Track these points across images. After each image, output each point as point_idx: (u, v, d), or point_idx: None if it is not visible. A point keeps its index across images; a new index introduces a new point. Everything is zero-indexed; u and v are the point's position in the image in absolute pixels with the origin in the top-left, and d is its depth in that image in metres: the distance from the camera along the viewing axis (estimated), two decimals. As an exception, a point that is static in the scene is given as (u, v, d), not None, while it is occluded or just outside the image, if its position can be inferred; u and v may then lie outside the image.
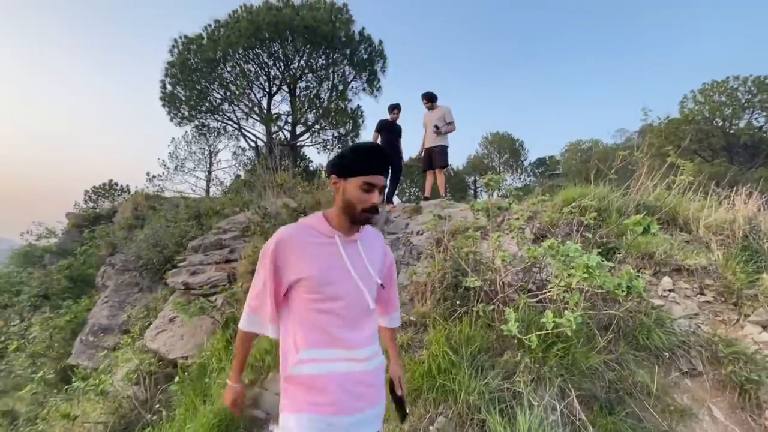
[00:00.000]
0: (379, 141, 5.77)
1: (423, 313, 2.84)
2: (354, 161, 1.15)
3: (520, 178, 29.75)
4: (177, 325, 4.30)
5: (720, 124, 19.64)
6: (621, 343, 2.44)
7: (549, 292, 2.22)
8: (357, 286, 1.19)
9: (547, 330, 1.91)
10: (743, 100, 18.95)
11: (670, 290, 2.70)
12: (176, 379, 3.53)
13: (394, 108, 5.92)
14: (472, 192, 30.00)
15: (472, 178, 30.66)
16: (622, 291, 2.12)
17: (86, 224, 13.08)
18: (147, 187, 16.24)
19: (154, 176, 16.79)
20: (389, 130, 5.88)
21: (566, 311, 1.87)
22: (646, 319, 2.52)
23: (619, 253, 2.80)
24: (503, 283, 2.61)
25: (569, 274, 1.95)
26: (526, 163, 30.45)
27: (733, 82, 19.15)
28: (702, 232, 2.98)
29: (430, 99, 5.87)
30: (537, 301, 2.57)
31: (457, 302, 2.67)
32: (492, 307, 2.57)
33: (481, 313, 2.54)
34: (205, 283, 4.49)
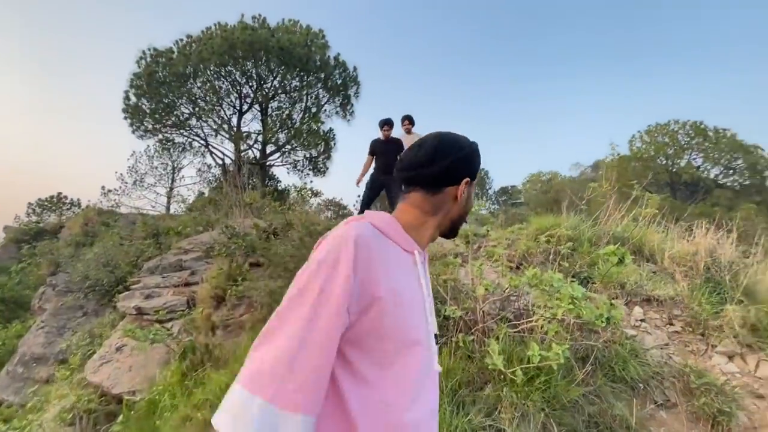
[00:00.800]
0: (373, 165, 5.25)
1: (400, 343, 2.72)
2: (477, 160, 0.89)
3: (485, 206, 30.70)
4: (125, 354, 3.89)
5: (664, 163, 21.45)
6: (598, 375, 2.43)
7: (535, 322, 2.17)
8: (428, 331, 0.79)
9: (533, 363, 1.85)
10: (683, 142, 20.88)
11: (641, 320, 2.75)
12: (120, 418, 3.14)
13: (385, 124, 5.14)
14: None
15: (440, 204, 31.29)
16: (602, 322, 2.12)
17: (27, 239, 11.97)
18: (101, 201, 15.19)
19: (109, 190, 15.76)
20: (383, 150, 5.14)
21: (553, 344, 1.83)
22: (621, 350, 2.53)
23: (594, 283, 2.84)
24: (483, 312, 2.55)
25: (554, 305, 1.91)
26: (490, 192, 31.60)
27: (673, 125, 21.13)
28: (667, 263, 3.10)
29: (412, 122, 5.74)
30: (515, 331, 2.53)
31: (437, 332, 2.56)
32: (472, 337, 2.49)
33: (461, 344, 2.45)
34: (161, 307, 4.12)
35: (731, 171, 20.73)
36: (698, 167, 20.79)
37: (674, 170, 21.08)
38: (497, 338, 2.37)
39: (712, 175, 20.95)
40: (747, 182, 20.02)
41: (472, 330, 2.60)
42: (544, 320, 1.99)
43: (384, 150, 5.12)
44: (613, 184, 3.51)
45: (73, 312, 6.35)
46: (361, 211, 5.49)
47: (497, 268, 2.92)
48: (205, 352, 3.37)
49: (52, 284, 7.59)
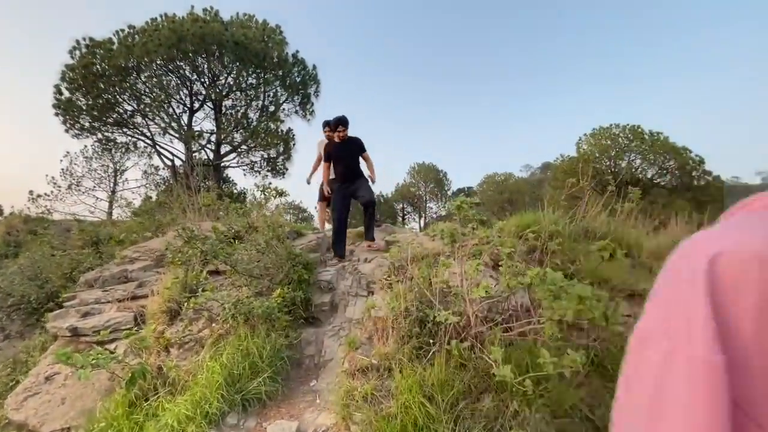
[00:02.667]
0: (332, 171, 4.70)
1: (385, 354, 2.48)
2: None
3: (444, 207, 31.30)
4: (56, 385, 3.31)
5: (608, 164, 23.02)
6: (594, 376, 2.35)
7: (540, 323, 2.03)
8: None
9: (544, 372, 1.69)
10: (623, 144, 22.52)
11: (627, 315, 2.72)
12: (51, 462, 2.62)
13: (339, 123, 4.49)
14: (401, 218, 30.95)
15: (401, 205, 31.63)
16: (604, 320, 2.02)
17: (-68, 253, 10.28)
18: (28, 208, 13.52)
19: (39, 195, 14.07)
20: (342, 154, 4.59)
21: (568, 350, 1.68)
22: (612, 348, 2.48)
23: (579, 279, 2.77)
24: (477, 316, 2.38)
25: (559, 306, 1.77)
26: (449, 193, 32.31)
27: (614, 129, 22.75)
28: (645, 257, 3.13)
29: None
30: (509, 335, 2.39)
31: (429, 340, 2.36)
32: (466, 344, 2.31)
33: (454, 352, 2.26)
34: (103, 326, 3.57)
35: (665, 171, 22.58)
36: (637, 168, 22.51)
37: (616, 170, 22.71)
38: (492, 343, 2.22)
39: (649, 175, 22.72)
40: (678, 182, 21.92)
41: (463, 335, 2.43)
42: (551, 322, 1.84)
43: (342, 154, 4.57)
44: (589, 180, 3.52)
45: (-8, 335, 5.45)
46: (336, 236, 4.49)
47: (480, 267, 2.77)
48: (158, 375, 2.92)
49: (-34, 304, 6.51)
